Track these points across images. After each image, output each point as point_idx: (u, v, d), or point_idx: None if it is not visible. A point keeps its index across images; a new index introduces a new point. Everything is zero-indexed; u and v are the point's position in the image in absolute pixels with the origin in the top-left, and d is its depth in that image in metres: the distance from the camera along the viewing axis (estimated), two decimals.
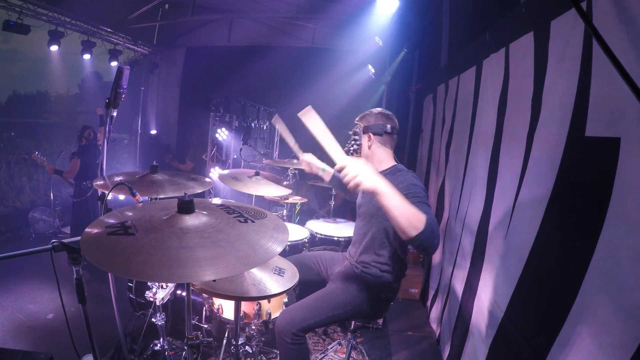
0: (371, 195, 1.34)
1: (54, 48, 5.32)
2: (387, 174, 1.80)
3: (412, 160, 4.69)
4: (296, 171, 3.49)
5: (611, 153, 1.01)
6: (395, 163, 1.89)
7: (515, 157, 1.61)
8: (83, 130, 4.27)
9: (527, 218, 1.44)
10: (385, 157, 1.89)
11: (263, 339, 2.12)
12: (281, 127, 2.17)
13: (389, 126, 1.86)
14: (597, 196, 1.05)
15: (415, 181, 1.65)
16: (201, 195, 3.45)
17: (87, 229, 1.10)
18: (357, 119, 1.97)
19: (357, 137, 1.93)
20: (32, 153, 4.40)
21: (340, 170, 1.33)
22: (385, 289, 1.87)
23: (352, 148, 1.93)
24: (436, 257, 3.11)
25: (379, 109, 1.93)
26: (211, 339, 2.23)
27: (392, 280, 1.87)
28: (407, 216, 1.26)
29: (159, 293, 1.93)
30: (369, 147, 1.89)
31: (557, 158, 1.28)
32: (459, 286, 2.28)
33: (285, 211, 3.69)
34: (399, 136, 1.95)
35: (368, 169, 1.30)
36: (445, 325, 2.56)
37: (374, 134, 1.86)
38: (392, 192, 1.27)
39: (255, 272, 1.67)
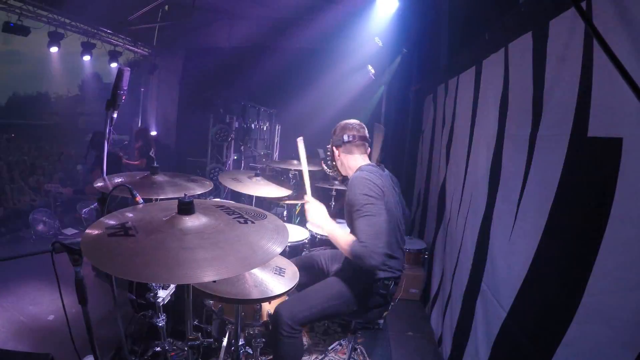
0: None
1: (54, 49, 5.32)
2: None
3: (412, 160, 4.69)
4: (296, 172, 3.49)
5: (613, 153, 1.01)
6: (362, 164, 1.97)
7: (519, 158, 1.60)
8: (95, 136, 4.19)
9: (532, 219, 1.44)
10: (355, 163, 2.00)
11: (264, 339, 2.11)
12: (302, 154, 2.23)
13: (345, 136, 2.00)
14: (600, 196, 1.05)
15: (355, 190, 1.76)
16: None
17: (87, 230, 1.10)
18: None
19: (329, 152, 2.13)
20: (45, 184, 4.44)
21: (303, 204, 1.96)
22: (380, 285, 1.86)
23: (328, 163, 2.15)
24: (437, 257, 3.11)
25: (344, 121, 2.07)
26: (211, 340, 2.23)
27: (385, 277, 1.86)
28: (340, 246, 1.77)
29: (160, 294, 1.93)
30: (337, 158, 2.07)
31: (560, 158, 1.28)
32: (460, 286, 2.27)
33: (285, 212, 3.69)
34: (368, 141, 2.06)
35: (317, 213, 1.92)
36: (446, 325, 2.55)
37: (336, 146, 2.04)
38: (329, 230, 1.83)
39: (256, 272, 1.67)
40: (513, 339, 1.51)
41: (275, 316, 1.73)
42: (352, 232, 1.82)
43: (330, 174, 2.20)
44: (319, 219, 1.91)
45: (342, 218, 3.67)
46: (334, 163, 2.11)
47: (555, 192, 1.30)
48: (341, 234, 1.78)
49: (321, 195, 5.09)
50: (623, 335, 0.96)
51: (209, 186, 2.08)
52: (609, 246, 1.02)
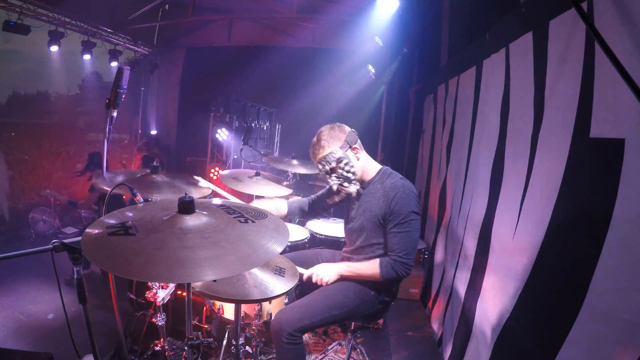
0: (359, 221, 1.84)
1: (54, 48, 5.32)
2: (377, 180, 1.81)
3: (412, 160, 4.69)
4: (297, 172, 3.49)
5: (616, 154, 1.01)
6: (380, 166, 1.88)
7: (521, 158, 1.60)
8: (92, 156, 4.14)
9: (535, 219, 1.43)
10: (371, 161, 1.87)
11: (263, 339, 2.11)
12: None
13: (354, 132, 1.81)
14: (603, 197, 1.05)
15: (405, 204, 1.68)
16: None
17: (87, 230, 1.10)
18: (324, 152, 1.74)
19: (346, 160, 1.74)
20: (42, 190, 4.58)
21: (309, 278, 1.78)
22: (383, 293, 1.86)
23: (349, 174, 1.75)
24: (438, 257, 3.11)
25: (329, 125, 1.80)
26: (211, 339, 2.23)
27: (390, 284, 1.86)
28: (366, 278, 1.75)
29: (160, 293, 1.93)
30: (359, 160, 1.80)
31: (562, 159, 1.28)
32: (461, 286, 2.27)
33: None
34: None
35: (325, 267, 1.78)
36: (447, 325, 2.55)
37: (356, 145, 1.79)
38: (348, 272, 1.77)
39: (256, 273, 1.66)
40: (515, 339, 1.51)
41: (275, 324, 1.71)
42: (370, 239, 1.81)
43: (347, 188, 1.76)
44: (332, 271, 1.77)
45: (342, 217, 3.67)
46: (353, 171, 1.75)
47: (558, 193, 1.29)
48: (361, 266, 1.77)
49: None
50: (626, 336, 0.96)
51: (206, 192, 2.04)
52: (612, 246, 1.01)
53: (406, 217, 1.67)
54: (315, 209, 2.20)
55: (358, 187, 1.79)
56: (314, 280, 1.77)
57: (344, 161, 1.74)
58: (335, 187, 1.79)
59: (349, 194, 1.80)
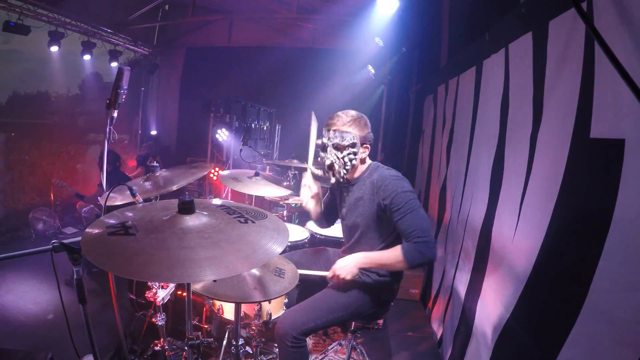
0: (357, 212, 1.79)
1: (54, 49, 5.32)
2: (366, 176, 1.80)
3: (412, 160, 4.69)
4: (296, 172, 3.49)
5: (616, 154, 1.01)
6: (370, 162, 1.86)
7: (520, 158, 1.60)
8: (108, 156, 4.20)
9: (535, 219, 1.43)
10: (367, 162, 1.85)
11: (263, 339, 2.11)
12: (312, 130, 1.99)
13: (371, 134, 1.80)
14: (603, 197, 1.05)
15: (397, 189, 1.65)
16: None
17: (87, 229, 1.10)
18: (345, 128, 1.70)
19: (355, 150, 1.71)
20: (53, 179, 4.75)
21: (331, 278, 1.70)
22: (385, 291, 1.87)
23: (347, 164, 1.72)
24: (438, 257, 3.11)
25: (357, 113, 1.78)
26: (211, 339, 2.23)
27: (392, 281, 1.86)
28: (390, 266, 1.67)
29: (160, 293, 1.93)
30: (364, 161, 1.79)
31: (562, 159, 1.27)
32: (461, 287, 2.27)
33: (285, 211, 3.69)
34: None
35: (344, 264, 1.67)
36: (447, 325, 2.55)
37: (368, 144, 1.77)
38: (367, 263, 1.69)
39: (256, 274, 1.66)
40: (516, 340, 1.51)
41: (279, 328, 1.71)
42: (365, 234, 1.81)
43: (337, 171, 1.74)
44: (351, 266, 1.68)
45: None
46: (355, 164, 1.75)
47: (558, 193, 1.29)
48: (383, 255, 1.69)
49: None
50: (627, 336, 0.96)
51: (208, 167, 2.10)
52: (613, 247, 1.01)
53: (402, 200, 1.62)
54: (332, 213, 2.14)
55: (335, 180, 1.78)
56: (335, 280, 1.70)
57: (353, 150, 1.72)
58: (327, 162, 1.74)
59: (331, 178, 1.78)
